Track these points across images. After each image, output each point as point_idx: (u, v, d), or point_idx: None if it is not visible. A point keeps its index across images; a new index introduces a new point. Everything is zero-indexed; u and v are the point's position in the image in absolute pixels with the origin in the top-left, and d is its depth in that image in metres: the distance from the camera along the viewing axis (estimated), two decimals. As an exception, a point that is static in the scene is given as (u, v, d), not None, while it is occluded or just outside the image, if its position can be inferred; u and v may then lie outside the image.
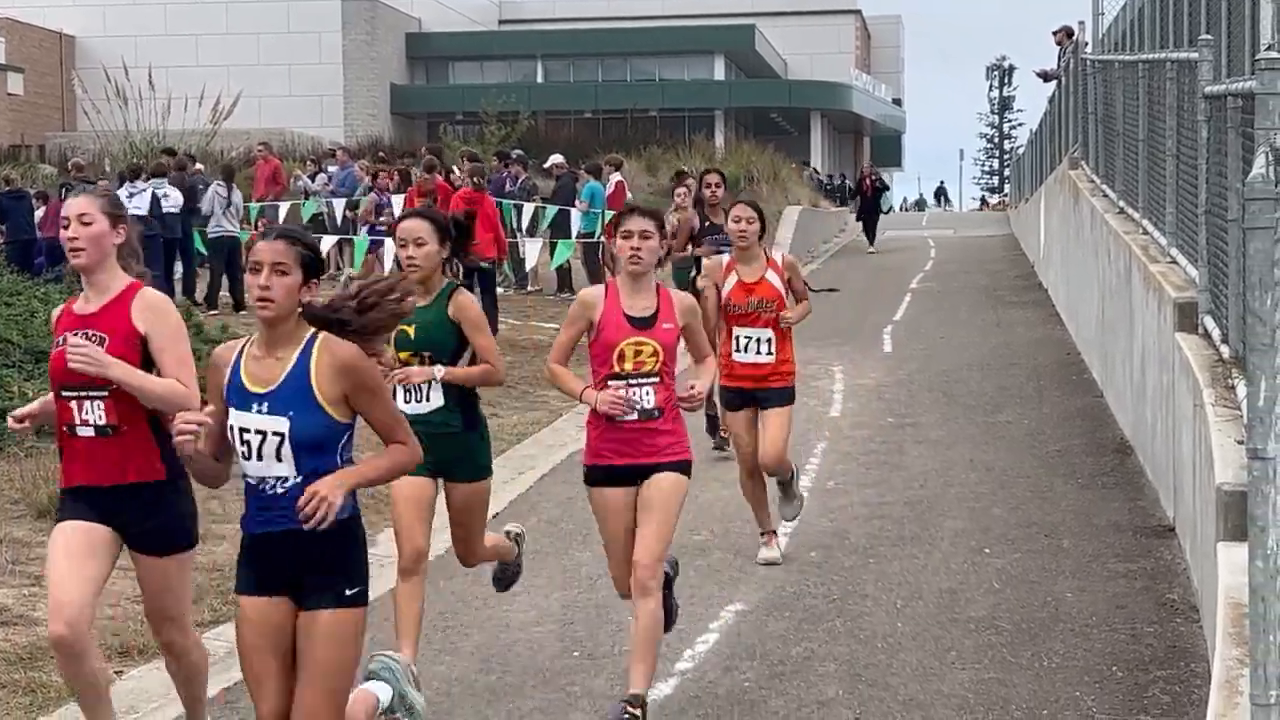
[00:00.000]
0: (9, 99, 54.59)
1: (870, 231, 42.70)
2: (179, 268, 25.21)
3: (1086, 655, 8.62)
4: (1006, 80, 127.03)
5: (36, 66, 57.03)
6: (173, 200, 24.51)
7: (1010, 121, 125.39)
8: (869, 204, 42.99)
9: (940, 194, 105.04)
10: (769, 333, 10.67)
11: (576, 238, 26.85)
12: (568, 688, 8.28)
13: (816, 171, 41.13)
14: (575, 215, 27.23)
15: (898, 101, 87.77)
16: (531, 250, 25.71)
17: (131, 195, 24.47)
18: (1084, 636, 8.95)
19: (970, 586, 10.08)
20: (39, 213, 27.21)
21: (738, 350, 10.73)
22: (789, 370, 10.84)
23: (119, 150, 38.68)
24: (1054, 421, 15.88)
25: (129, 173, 25.26)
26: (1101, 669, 8.37)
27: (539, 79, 65.18)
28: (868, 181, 43.24)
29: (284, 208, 30.29)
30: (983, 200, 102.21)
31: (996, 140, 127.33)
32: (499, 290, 23.36)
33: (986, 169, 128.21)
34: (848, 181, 44.88)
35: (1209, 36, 11.14)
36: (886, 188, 45.73)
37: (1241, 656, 5.34)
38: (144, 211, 24.20)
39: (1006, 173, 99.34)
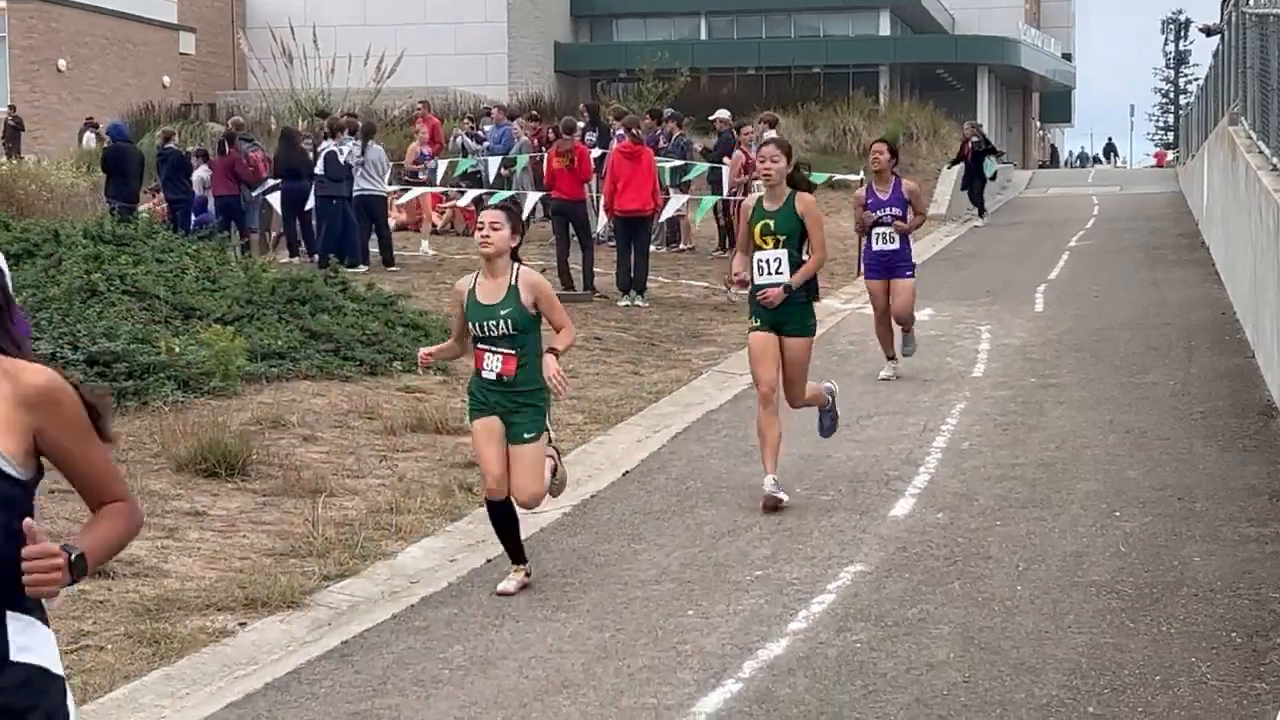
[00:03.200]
0: (181, 58, 55.51)
1: (976, 202, 36.95)
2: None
3: (1207, 620, 8.49)
4: (1182, 34, 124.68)
5: (208, 26, 57.94)
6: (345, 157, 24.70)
7: (1185, 76, 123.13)
8: (971, 170, 36.83)
9: (1109, 150, 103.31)
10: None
11: (726, 195, 26.79)
12: (679, 646, 8.30)
13: (978, 128, 37.74)
14: (726, 171, 27.16)
15: (1068, 56, 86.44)
16: (671, 205, 25.62)
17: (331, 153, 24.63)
18: (1207, 602, 8.81)
19: (1096, 550, 9.95)
20: (203, 170, 27.72)
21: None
22: None
23: (284, 109, 39.17)
24: (1201, 382, 15.62)
25: (329, 130, 25.30)
26: (1221, 635, 8.24)
27: (703, 36, 64.99)
28: (969, 145, 36.81)
29: (441, 165, 30.51)
30: (1112, 149, 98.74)
31: (1171, 96, 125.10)
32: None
33: (1160, 124, 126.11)
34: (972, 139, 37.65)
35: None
36: (992, 150, 37.79)
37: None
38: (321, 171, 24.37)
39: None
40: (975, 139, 36.92)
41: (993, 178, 36.81)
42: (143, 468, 11.47)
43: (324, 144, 24.78)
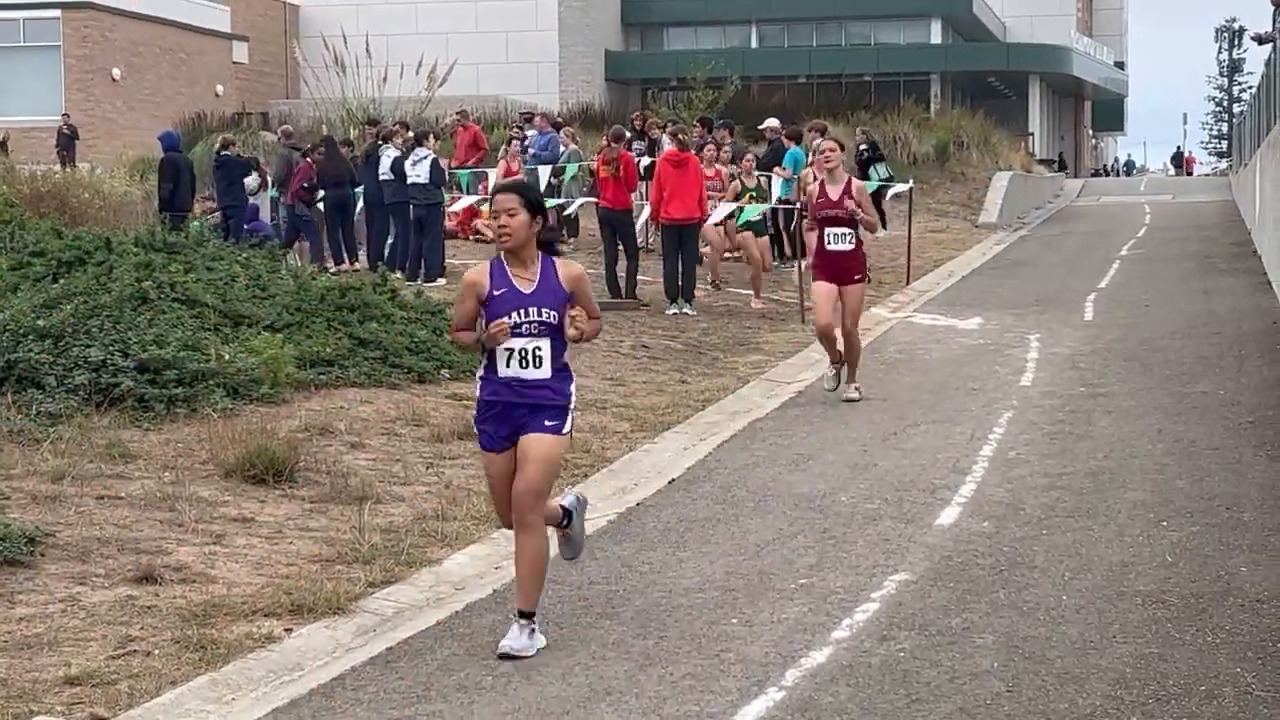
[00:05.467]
0: (235, 67, 55.82)
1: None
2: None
3: (1253, 631, 8.44)
4: (1236, 42, 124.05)
5: (261, 35, 58.26)
6: (384, 167, 24.96)
7: (1239, 85, 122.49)
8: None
9: (1178, 159, 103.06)
10: None
11: (775, 203, 26.72)
12: (722, 654, 8.30)
13: (868, 134, 34.84)
14: (776, 181, 27.11)
15: (1120, 64, 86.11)
16: (719, 212, 25.56)
17: (415, 164, 24.78)
18: (1253, 612, 8.76)
19: (1142, 560, 9.91)
20: (252, 179, 27.84)
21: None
22: None
23: (336, 118, 39.34)
24: (1251, 391, 15.54)
25: (416, 140, 25.46)
26: (1267, 645, 8.19)
27: (753, 44, 65.01)
28: (859, 153, 32.83)
29: (493, 173, 30.52)
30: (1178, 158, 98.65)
31: (1225, 104, 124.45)
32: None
33: (1214, 133, 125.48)
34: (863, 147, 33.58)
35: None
36: (880, 158, 33.75)
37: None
38: (424, 180, 24.46)
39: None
40: (864, 146, 33.39)
41: (887, 180, 33.42)
42: (191, 474, 11.53)
43: (420, 151, 24.84)
